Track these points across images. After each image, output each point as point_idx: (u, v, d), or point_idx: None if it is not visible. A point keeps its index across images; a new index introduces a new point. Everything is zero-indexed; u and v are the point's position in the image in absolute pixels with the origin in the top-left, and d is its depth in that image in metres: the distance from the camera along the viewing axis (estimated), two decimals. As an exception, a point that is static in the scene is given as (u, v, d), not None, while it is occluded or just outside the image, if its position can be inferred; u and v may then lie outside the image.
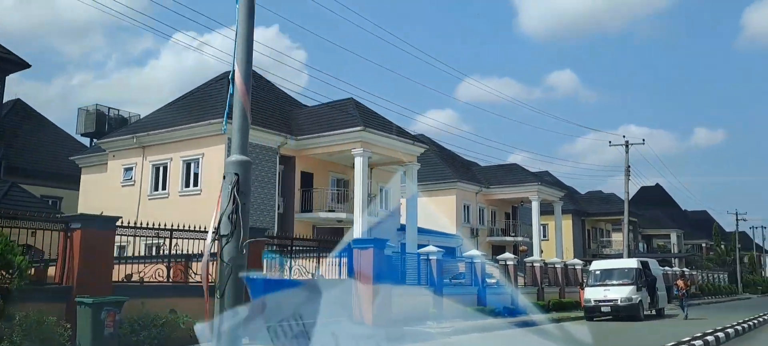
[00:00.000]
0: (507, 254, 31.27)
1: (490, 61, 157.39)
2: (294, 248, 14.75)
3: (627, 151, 32.91)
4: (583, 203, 58.19)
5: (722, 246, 73.68)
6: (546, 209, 56.30)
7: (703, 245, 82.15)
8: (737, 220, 67.33)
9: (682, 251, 71.93)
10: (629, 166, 32.71)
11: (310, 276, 14.20)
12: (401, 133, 27.64)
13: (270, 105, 27.78)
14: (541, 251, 42.37)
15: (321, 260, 14.97)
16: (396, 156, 27.90)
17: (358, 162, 25.34)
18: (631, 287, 21.30)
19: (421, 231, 36.29)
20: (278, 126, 26.25)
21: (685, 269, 40.49)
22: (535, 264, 26.41)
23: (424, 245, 34.99)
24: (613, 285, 21.66)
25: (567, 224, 54.62)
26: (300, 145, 26.48)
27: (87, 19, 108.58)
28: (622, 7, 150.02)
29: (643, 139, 32.77)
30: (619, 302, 20.85)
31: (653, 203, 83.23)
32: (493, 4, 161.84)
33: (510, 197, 41.60)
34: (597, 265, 24.18)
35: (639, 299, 21.20)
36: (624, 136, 32.80)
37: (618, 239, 59.60)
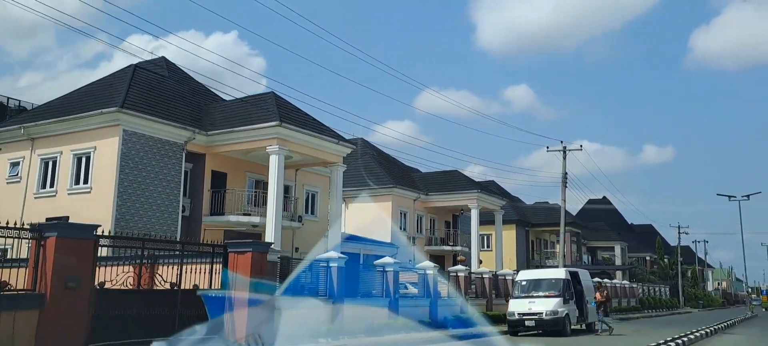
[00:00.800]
0: (459, 266, 29.49)
1: (448, 74, 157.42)
2: (156, 251, 12.46)
3: (564, 157, 31.66)
4: (528, 214, 57.12)
5: (666, 260, 73.84)
6: (490, 219, 55.12)
7: (648, 258, 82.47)
8: (679, 233, 67.42)
9: (625, 264, 71.77)
10: (566, 174, 31.45)
11: (169, 286, 11.93)
12: (325, 131, 25.58)
13: (178, 96, 25.38)
14: (480, 262, 40.84)
15: (196, 266, 12.72)
16: (320, 156, 25.83)
17: (273, 160, 23.17)
18: (557, 300, 19.64)
19: (354, 239, 34.33)
20: (186, 119, 23.88)
21: (605, 279, 39.40)
22: (459, 274, 24.62)
23: (355, 254, 33.03)
24: (538, 297, 19.98)
25: (510, 234, 53.45)
26: (211, 142, 24.16)
27: (35, 18, 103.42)
28: (576, 27, 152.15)
29: (581, 145, 31.65)
30: (544, 316, 19.15)
31: (600, 216, 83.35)
32: (452, 19, 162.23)
33: (450, 205, 39.97)
34: (523, 275, 22.52)
35: (565, 312, 19.55)
36: (561, 142, 31.54)
37: (564, 250, 58.79)
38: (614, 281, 44.00)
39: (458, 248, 41.44)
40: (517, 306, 20.08)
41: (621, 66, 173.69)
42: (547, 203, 60.25)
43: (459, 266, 27.01)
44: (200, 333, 11.43)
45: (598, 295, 21.36)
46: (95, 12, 20.64)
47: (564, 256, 32.79)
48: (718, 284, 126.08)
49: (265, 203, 25.85)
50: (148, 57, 27.62)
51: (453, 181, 40.16)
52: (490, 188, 57.40)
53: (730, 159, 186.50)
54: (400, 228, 37.56)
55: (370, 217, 36.16)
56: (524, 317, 19.52)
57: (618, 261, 68.24)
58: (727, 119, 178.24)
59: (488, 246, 54.60)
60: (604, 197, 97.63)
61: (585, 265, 59.50)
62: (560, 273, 21.32)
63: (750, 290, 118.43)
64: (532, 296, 20.21)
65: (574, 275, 21.72)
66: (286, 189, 28.46)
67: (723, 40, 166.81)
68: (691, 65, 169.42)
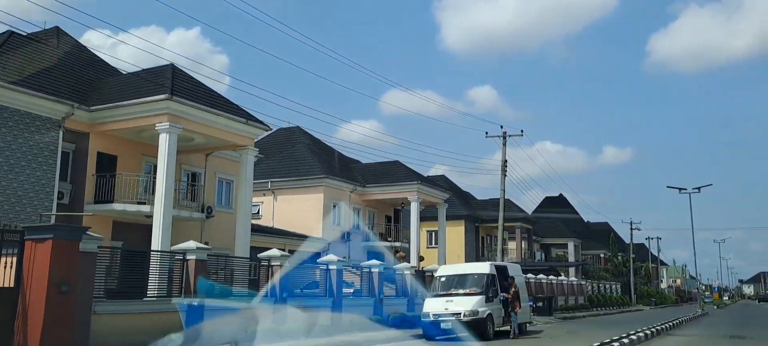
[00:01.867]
0: (404, 263, 26.95)
1: (414, 74, 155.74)
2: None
3: (504, 143, 29.26)
4: (479, 209, 54.81)
5: (619, 257, 72.58)
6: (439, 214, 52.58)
7: (602, 255, 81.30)
8: (631, 229, 66.10)
9: (579, 261, 70.26)
10: (506, 161, 29.05)
11: None
12: (231, 109, 22.56)
13: (63, 68, 22.05)
14: (422, 258, 38.34)
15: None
16: (226, 138, 22.78)
17: (163, 139, 20.09)
18: (478, 298, 17.05)
19: (279, 233, 31.37)
20: (66, 93, 20.61)
21: (551, 276, 37.31)
22: (372, 270, 21.92)
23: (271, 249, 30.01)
24: (458, 295, 17.40)
25: (459, 230, 51.12)
26: (95, 119, 20.93)
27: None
28: (538, 29, 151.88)
29: (522, 131, 29.19)
30: (462, 317, 16.55)
31: (556, 213, 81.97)
32: (417, 19, 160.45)
33: (389, 198, 37.27)
34: (443, 270, 19.85)
35: (487, 312, 16.98)
36: (501, 127, 29.13)
37: (515, 246, 56.73)
38: (561, 278, 41.95)
39: (398, 243, 38.81)
40: (432, 306, 17.41)
41: (582, 68, 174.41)
42: (498, 198, 58.07)
43: (404, 264, 24.36)
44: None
45: (508, 293, 18.84)
46: (48, 12, 17.45)
47: (503, 252, 30.45)
48: (673, 281, 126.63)
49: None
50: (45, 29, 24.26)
51: (393, 172, 37.51)
52: (437, 182, 54.92)
53: (686, 159, 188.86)
54: (334, 222, 34.74)
55: (299, 209, 33.30)
56: (440, 319, 16.86)
57: (571, 258, 66.57)
58: (683, 120, 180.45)
59: (435, 243, 52.22)
60: (561, 195, 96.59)
61: (537, 262, 57.56)
62: (484, 268, 18.71)
63: (703, 287, 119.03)
64: (451, 295, 17.58)
65: (502, 270, 19.15)
66: (194, 176, 25.42)
67: (680, 44, 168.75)
68: (650, 68, 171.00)
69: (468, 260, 49.78)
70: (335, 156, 39.19)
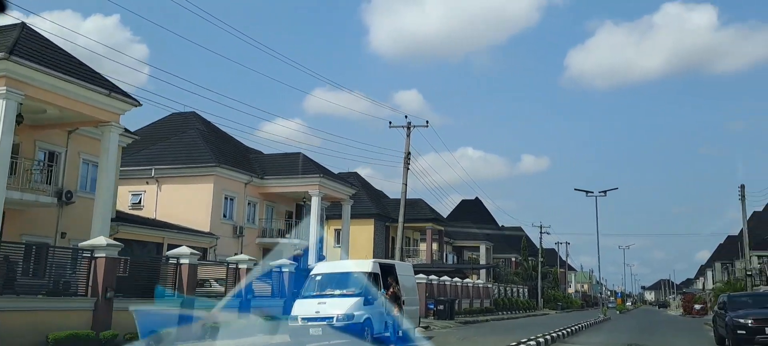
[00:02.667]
0: (283, 260, 24.51)
1: (341, 75, 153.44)
2: None
3: (408, 135, 27.51)
4: (391, 209, 53.11)
5: (530, 261, 73.01)
6: (352, 213, 50.49)
7: (514, 259, 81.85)
8: (541, 234, 66.45)
9: (490, 264, 70.12)
10: (409, 153, 27.27)
11: None
12: (90, 77, 19.50)
13: None
14: (323, 257, 36.10)
15: None
16: (85, 111, 19.69)
17: (0, 106, 16.91)
18: (355, 300, 14.98)
19: (161, 225, 28.31)
20: None
21: (456, 279, 36.10)
22: (236, 266, 19.42)
23: (158, 243, 26.96)
24: (332, 296, 15.32)
25: (368, 229, 49.26)
26: None
27: None
28: (464, 38, 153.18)
29: (427, 122, 27.48)
30: (334, 321, 14.46)
31: (471, 217, 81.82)
32: (346, 21, 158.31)
33: (289, 191, 34.77)
34: (320, 268, 17.69)
35: (365, 316, 14.97)
36: (406, 117, 27.35)
37: (425, 247, 55.46)
38: (467, 280, 40.74)
39: (297, 241, 36.37)
40: (302, 308, 15.19)
41: (505, 78, 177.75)
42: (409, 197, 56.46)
43: (240, 257, 21.94)
44: None
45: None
46: None
47: (402, 250, 28.68)
48: (581, 286, 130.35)
49: (14, 172, 19.48)
50: None
51: (295, 164, 35.05)
52: (348, 178, 52.82)
53: (598, 171, 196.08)
54: (225, 215, 31.93)
55: (186, 200, 30.31)
56: (310, 324, 14.67)
57: (483, 261, 66.20)
58: (596, 133, 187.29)
59: (340, 242, 50.11)
60: (477, 199, 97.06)
61: (448, 264, 56.55)
62: (365, 266, 16.66)
63: (609, 292, 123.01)
64: (326, 296, 15.45)
65: (388, 270, 17.16)
66: (52, 156, 22.13)
67: (595, 61, 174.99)
68: (567, 82, 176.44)
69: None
70: (232, 144, 36.35)
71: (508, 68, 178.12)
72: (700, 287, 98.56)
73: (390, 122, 27.60)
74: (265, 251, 33.95)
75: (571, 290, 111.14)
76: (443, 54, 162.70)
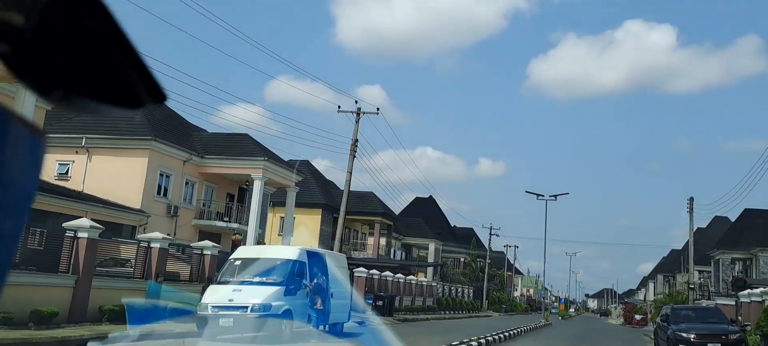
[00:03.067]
0: (206, 242, 22.89)
1: (305, 65, 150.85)
2: None
3: (357, 121, 26.16)
4: (340, 199, 51.72)
5: (478, 262, 72.70)
6: (299, 202, 48.93)
7: (463, 259, 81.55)
8: (490, 235, 66.14)
9: (437, 262, 69.55)
10: (357, 140, 25.93)
11: None
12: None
13: None
14: (262, 243, 34.59)
15: None
16: None
17: None
18: (275, 289, 13.61)
19: (87, 199, 26.30)
20: None
21: (398, 275, 35.12)
22: (148, 245, 17.70)
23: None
24: (250, 284, 13.91)
25: (315, 218, 47.85)
26: None
27: None
28: (429, 39, 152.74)
29: (377, 109, 26.08)
30: (248, 312, 13.06)
31: (423, 214, 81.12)
32: (312, 10, 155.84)
33: (232, 173, 33.03)
34: (241, 252, 16.20)
35: (285, 308, 13.62)
36: (356, 102, 26.06)
37: (373, 242, 54.36)
38: (410, 277, 39.73)
39: (237, 226, 34.68)
40: (214, 295, 13.71)
41: (468, 81, 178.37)
42: (358, 190, 55.17)
43: (207, 243, 20.32)
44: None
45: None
46: None
47: (340, 241, 27.37)
48: (527, 290, 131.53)
49: None
50: None
51: (239, 145, 33.32)
52: (299, 167, 51.25)
53: (552, 179, 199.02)
54: (160, 193, 30.05)
55: (117, 174, 28.30)
56: (221, 312, 13.22)
57: (431, 259, 65.48)
58: (552, 144, 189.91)
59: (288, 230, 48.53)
60: (431, 197, 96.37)
61: (394, 260, 55.57)
62: (290, 252, 15.25)
63: (554, 298, 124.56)
64: (244, 283, 14.02)
65: (315, 257, 15.79)
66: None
67: (555, 71, 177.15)
68: (526, 90, 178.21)
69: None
70: (175, 120, 34.37)
71: (471, 72, 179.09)
72: (642, 298, 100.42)
73: (339, 106, 26.19)
74: (202, 233, 32.15)
75: (517, 294, 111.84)
76: (408, 53, 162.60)
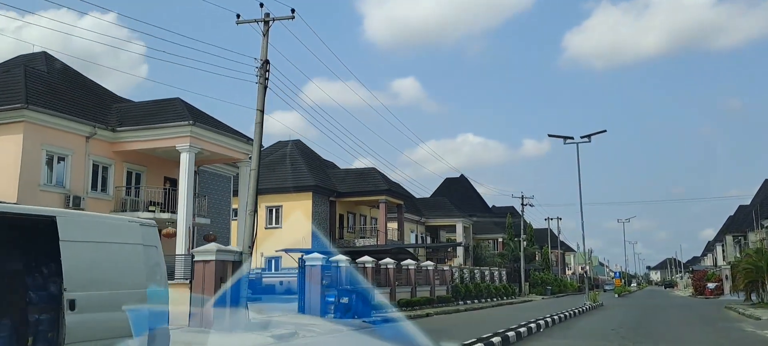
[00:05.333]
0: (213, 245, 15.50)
1: (336, 65, 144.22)
2: None
3: (266, 33, 17.45)
4: (336, 180, 43.54)
5: (515, 240, 63.16)
6: (287, 186, 41.19)
7: (501, 239, 72.20)
8: (523, 204, 56.61)
9: (470, 244, 60.63)
10: (268, 61, 17.40)
11: None
12: None
13: None
14: (211, 237, 26.86)
15: None
16: None
17: None
18: None
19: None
20: None
21: (386, 260, 26.56)
22: None
23: None
24: None
25: (304, 204, 39.81)
26: None
27: None
28: (456, 23, 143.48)
29: (293, 10, 17.20)
30: None
31: (455, 196, 72.51)
32: (339, 9, 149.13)
33: (152, 148, 25.14)
34: None
35: None
36: (262, 6, 17.52)
37: (390, 226, 45.86)
38: (425, 263, 30.90)
39: (168, 215, 26.90)
40: None
41: (502, 62, 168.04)
42: (369, 168, 46.41)
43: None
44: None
45: None
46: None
47: (253, 215, 18.92)
48: (581, 268, 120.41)
49: None
50: None
51: (165, 112, 25.44)
52: (290, 146, 43.69)
53: (601, 151, 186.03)
54: (50, 181, 22.47)
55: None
56: None
57: (459, 240, 56.64)
58: (597, 115, 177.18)
59: (276, 222, 40.68)
60: (462, 176, 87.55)
61: (410, 244, 46.98)
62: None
63: (612, 273, 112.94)
64: None
65: (31, 234, 7.46)
66: None
67: (592, 41, 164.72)
68: (565, 63, 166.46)
69: (314, 243, 38.49)
70: (86, 89, 26.80)
71: (505, 53, 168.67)
72: (710, 263, 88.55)
73: (238, 15, 17.67)
74: None
75: (570, 272, 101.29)
76: (437, 41, 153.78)
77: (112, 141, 24.52)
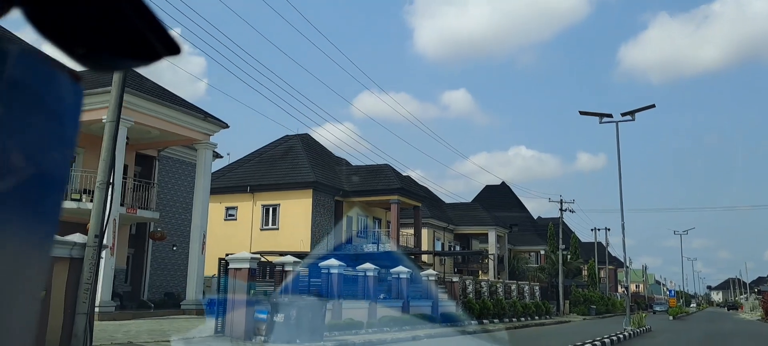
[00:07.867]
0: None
1: (387, 77, 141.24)
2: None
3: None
4: (344, 177, 37.94)
5: (556, 254, 55.87)
6: (284, 182, 36.01)
7: (542, 252, 64.95)
8: (561, 210, 49.42)
9: (503, 255, 53.85)
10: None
11: None
12: None
13: None
14: (159, 234, 21.86)
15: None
16: None
17: None
18: None
19: None
20: None
21: (370, 267, 20.61)
22: None
23: None
24: None
25: (304, 202, 34.40)
26: None
27: None
28: (507, 36, 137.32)
29: None
30: None
31: (496, 204, 66.01)
32: (390, 23, 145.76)
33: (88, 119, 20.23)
34: None
35: None
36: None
37: (407, 232, 40.03)
38: (400, 268, 24.80)
39: (149, 213, 22.16)
40: None
41: (554, 75, 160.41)
42: (382, 165, 40.50)
43: None
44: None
45: None
46: None
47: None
48: (635, 286, 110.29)
49: None
50: None
51: (95, 82, 20.50)
52: (296, 140, 38.91)
53: (657, 168, 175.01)
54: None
55: None
56: None
57: (491, 250, 50.04)
58: (654, 130, 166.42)
59: (272, 223, 35.41)
60: (504, 183, 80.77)
61: (416, 249, 40.88)
62: None
63: (667, 291, 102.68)
64: None
65: None
66: None
67: (648, 55, 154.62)
68: (620, 77, 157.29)
69: (314, 243, 33.04)
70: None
71: (557, 65, 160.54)
72: (780, 284, 78.15)
73: None
74: (67, 225, 19.54)
75: (621, 290, 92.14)
76: (488, 53, 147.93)
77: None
